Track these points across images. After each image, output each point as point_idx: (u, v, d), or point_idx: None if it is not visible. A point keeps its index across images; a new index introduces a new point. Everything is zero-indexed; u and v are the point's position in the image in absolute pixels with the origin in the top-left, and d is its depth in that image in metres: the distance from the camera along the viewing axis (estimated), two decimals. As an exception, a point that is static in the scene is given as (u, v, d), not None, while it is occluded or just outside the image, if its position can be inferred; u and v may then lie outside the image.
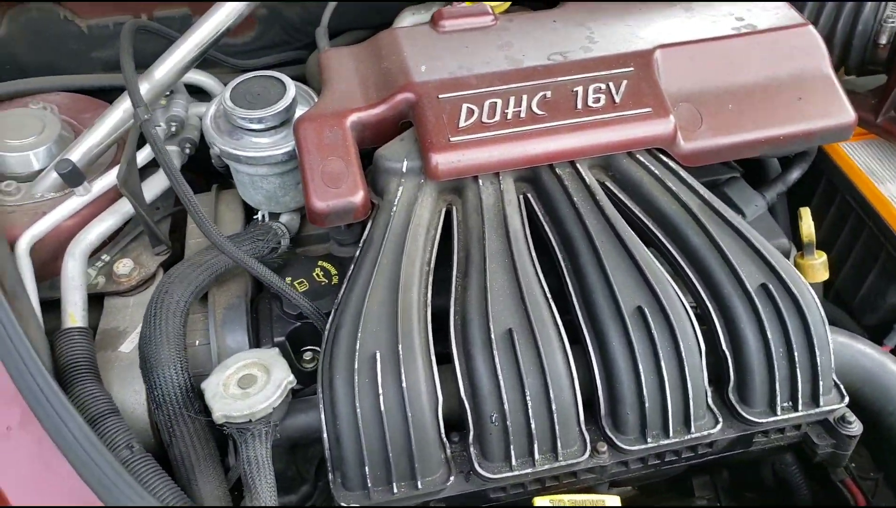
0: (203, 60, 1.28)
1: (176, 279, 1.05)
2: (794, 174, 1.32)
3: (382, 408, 0.91)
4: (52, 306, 1.16)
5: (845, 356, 1.09)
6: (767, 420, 0.99)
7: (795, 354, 0.99)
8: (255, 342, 1.11)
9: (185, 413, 0.98)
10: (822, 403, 1.00)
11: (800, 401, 0.99)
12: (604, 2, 1.27)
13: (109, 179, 1.21)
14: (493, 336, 0.94)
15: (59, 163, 1.17)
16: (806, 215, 1.14)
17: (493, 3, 1.30)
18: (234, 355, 0.97)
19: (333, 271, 1.16)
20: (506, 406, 0.93)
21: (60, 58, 1.48)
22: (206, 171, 1.37)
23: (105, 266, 1.24)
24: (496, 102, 1.09)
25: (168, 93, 1.34)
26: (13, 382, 0.93)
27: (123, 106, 1.22)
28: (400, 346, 0.93)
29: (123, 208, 1.23)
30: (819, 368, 0.99)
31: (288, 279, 1.14)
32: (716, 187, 1.25)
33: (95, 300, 1.23)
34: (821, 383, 0.99)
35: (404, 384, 0.91)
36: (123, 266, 1.23)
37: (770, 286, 1.00)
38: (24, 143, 1.28)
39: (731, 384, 1.00)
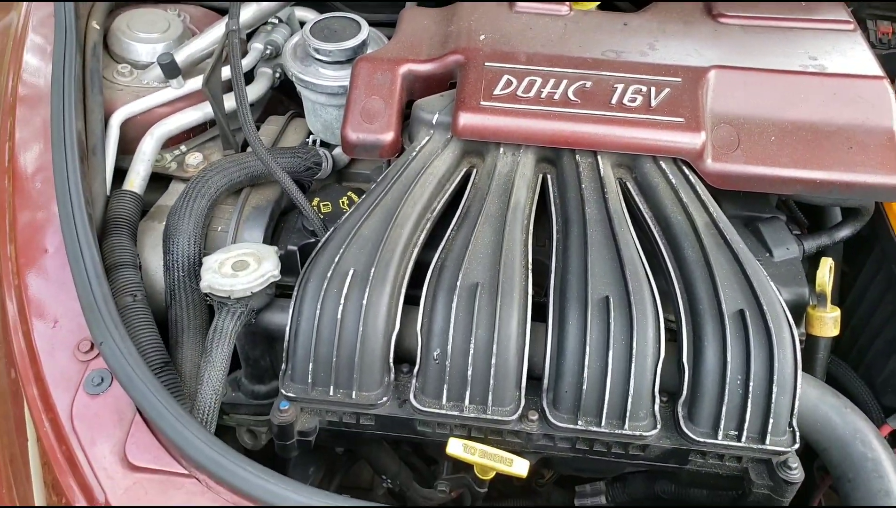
0: (324, 6, 1.43)
1: (216, 169, 1.19)
2: (844, 232, 1.27)
3: (339, 316, 0.99)
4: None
5: (819, 411, 1.05)
6: (706, 441, 0.98)
7: (751, 385, 0.97)
8: (271, 244, 1.23)
9: (186, 281, 1.11)
10: (767, 441, 0.98)
11: (745, 433, 0.98)
12: (683, 17, 1.29)
13: (199, 81, 1.37)
14: (459, 284, 1.00)
15: (161, 56, 1.34)
16: (824, 264, 1.10)
17: (580, 3, 1.34)
18: (241, 243, 1.09)
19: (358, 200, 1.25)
20: (449, 348, 0.98)
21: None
22: (298, 98, 1.52)
23: (180, 155, 1.41)
24: (535, 80, 1.14)
25: (277, 21, 1.49)
26: (59, 215, 1.10)
27: (226, 22, 1.38)
28: (373, 269, 1.02)
29: (207, 109, 1.39)
30: (773, 406, 0.97)
31: (315, 200, 1.25)
32: (753, 222, 1.23)
33: (165, 180, 1.40)
34: (771, 421, 0.97)
35: (364, 302, 1.00)
36: (194, 158, 1.39)
37: (747, 314, 0.99)
38: (149, 36, 1.48)
39: (683, 397, 1.01)
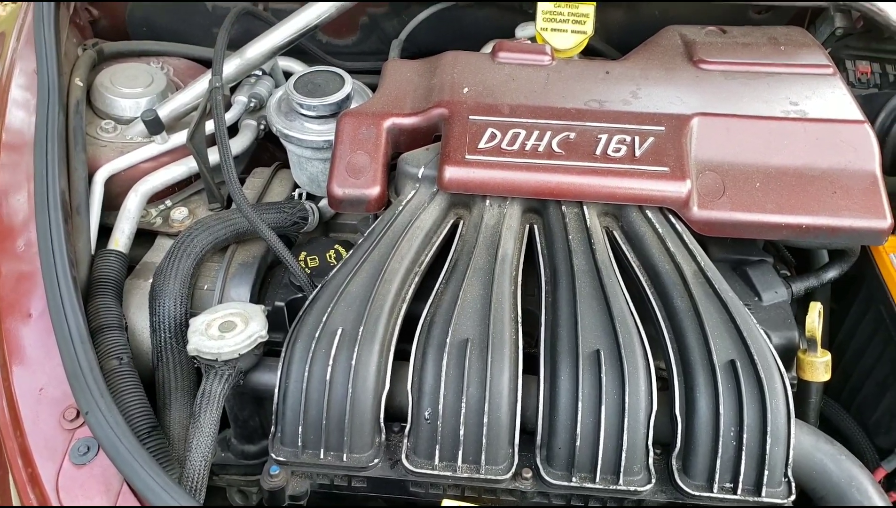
0: (308, 56, 1.43)
1: (201, 227, 1.18)
2: (831, 273, 1.28)
3: (328, 378, 0.98)
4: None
5: (814, 459, 1.05)
6: (701, 495, 0.97)
7: (745, 437, 0.97)
8: (258, 301, 1.22)
9: (173, 343, 1.10)
10: (763, 494, 0.97)
11: (740, 486, 0.97)
12: (664, 63, 1.30)
13: (183, 136, 1.37)
14: (448, 341, 1.00)
15: (145, 112, 1.34)
16: (813, 309, 1.10)
17: (562, 52, 1.36)
18: (228, 303, 1.08)
19: (345, 254, 1.25)
20: (440, 407, 0.97)
21: (188, 28, 1.68)
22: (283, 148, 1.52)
23: (165, 210, 1.41)
24: (519, 133, 1.15)
25: (260, 73, 1.50)
26: (43, 279, 1.09)
27: (209, 77, 1.38)
28: (362, 328, 1.01)
29: (191, 163, 1.39)
30: (768, 458, 0.96)
31: (302, 254, 1.24)
32: (741, 266, 1.24)
33: (151, 236, 1.39)
34: (766, 473, 0.97)
35: (353, 362, 0.99)
36: (179, 213, 1.39)
37: (738, 365, 0.99)
38: (132, 91, 1.48)
39: (677, 450, 1.00)
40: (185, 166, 1.40)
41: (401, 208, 1.14)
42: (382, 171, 1.17)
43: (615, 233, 1.14)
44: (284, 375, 1.01)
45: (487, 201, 1.14)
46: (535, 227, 1.16)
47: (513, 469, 0.98)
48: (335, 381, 0.99)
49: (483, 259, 1.09)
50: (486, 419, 0.97)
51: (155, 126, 1.35)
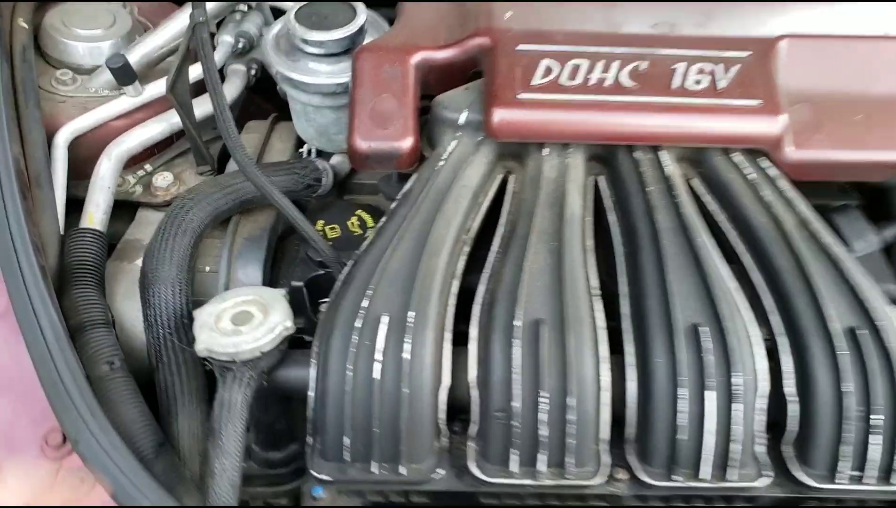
0: None
1: (197, 197, 0.97)
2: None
3: (376, 376, 0.80)
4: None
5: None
6: (824, 487, 0.83)
7: (873, 417, 0.81)
8: (271, 282, 1.02)
9: (174, 339, 0.90)
10: (894, 481, 0.82)
11: (868, 473, 0.82)
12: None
13: (162, 85, 1.15)
14: (517, 323, 0.82)
15: (112, 57, 1.11)
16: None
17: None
18: (237, 288, 0.89)
19: (371, 222, 1.05)
20: (515, 403, 0.80)
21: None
22: (277, 99, 1.30)
23: (145, 176, 1.19)
24: (580, 64, 0.96)
25: (245, 8, 1.27)
26: (3, 274, 0.88)
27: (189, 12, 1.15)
28: (412, 313, 0.82)
29: (173, 119, 1.17)
30: (903, 439, 0.82)
31: (320, 223, 1.05)
32: (824, 213, 1.07)
33: (130, 209, 1.18)
34: (899, 458, 0.82)
35: (405, 355, 0.81)
36: (163, 179, 1.17)
37: (859, 334, 0.83)
38: (91, 34, 1.24)
39: (791, 435, 0.84)
40: (165, 123, 1.17)
41: (441, 162, 0.94)
42: (414, 117, 0.97)
43: (694, 181, 0.97)
44: (321, 375, 0.82)
45: (546, 150, 0.95)
46: (601, 179, 0.97)
47: (606, 471, 0.82)
48: (386, 378, 0.80)
49: (547, 221, 0.90)
50: (571, 415, 0.80)
51: (125, 75, 1.12)
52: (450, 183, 0.93)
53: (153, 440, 0.86)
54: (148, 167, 1.20)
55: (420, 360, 0.81)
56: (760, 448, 0.84)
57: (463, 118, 0.96)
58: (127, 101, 1.16)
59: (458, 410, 0.85)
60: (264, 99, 1.38)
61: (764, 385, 0.83)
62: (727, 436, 0.81)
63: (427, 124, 1.01)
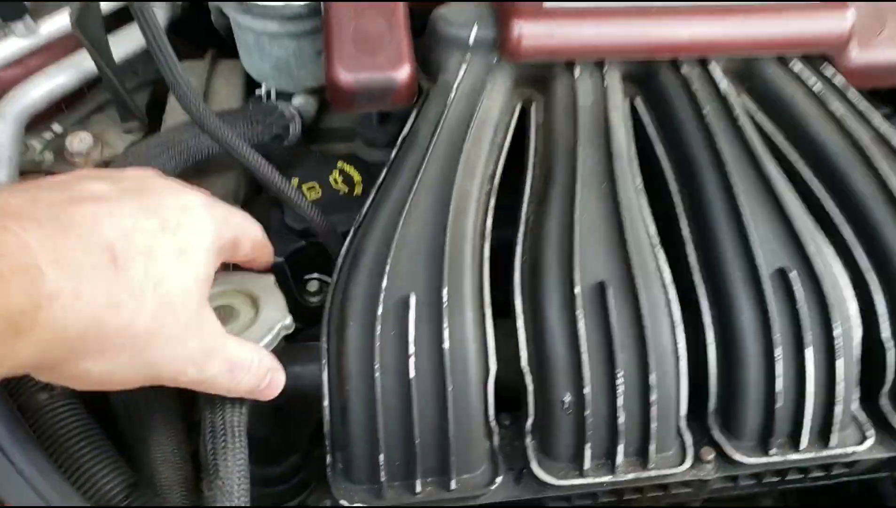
0: None
1: (133, 162, 0.75)
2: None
3: (412, 373, 0.63)
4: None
5: None
6: (932, 438, 0.72)
7: None
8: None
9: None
10: None
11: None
12: None
13: (65, 20, 0.90)
14: (577, 290, 0.66)
15: (-7, -14, 0.86)
16: None
17: None
18: (228, 273, 0.69)
19: (357, 176, 0.86)
20: (586, 389, 0.65)
21: None
22: (203, 38, 1.06)
23: (55, 140, 0.95)
24: (613, -38, 0.78)
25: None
26: None
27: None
28: (445, 290, 0.65)
29: (84, 64, 0.93)
30: None
31: (294, 181, 0.85)
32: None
33: (41, 182, 0.94)
34: None
35: (446, 344, 0.63)
36: (80, 142, 0.94)
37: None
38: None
39: (888, 385, 0.73)
40: (72, 70, 0.93)
41: (453, 95, 0.75)
42: (407, 38, 0.77)
43: (742, 99, 0.81)
44: (337, 379, 0.65)
45: (577, 70, 0.77)
46: (637, 102, 0.81)
47: (688, 454, 0.68)
48: (422, 375, 0.63)
49: (591, 159, 0.74)
50: (653, 394, 0.66)
51: (10, 8, 0.87)
52: (467, 119, 0.74)
53: (121, 482, 0.66)
54: (57, 128, 0.96)
55: (463, 346, 0.65)
56: (856, 405, 0.72)
57: (472, 35, 0.77)
58: (15, 43, 0.91)
59: (504, 399, 0.69)
60: (182, 39, 1.13)
61: (859, 333, 0.71)
62: (829, 397, 0.69)
63: (421, 46, 0.81)
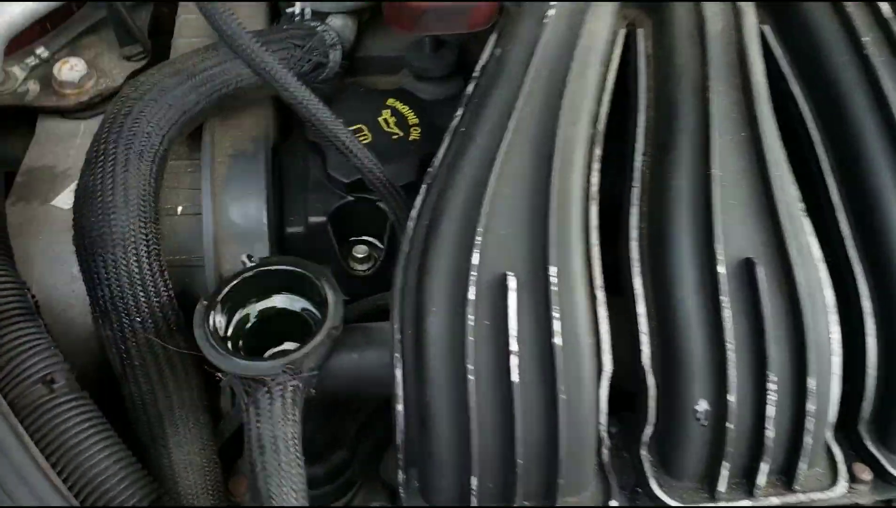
0: None
1: (148, 95, 0.59)
2: None
3: (515, 377, 0.49)
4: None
5: None
6: None
7: None
8: (278, 220, 0.67)
9: (151, 334, 0.55)
10: None
11: None
12: None
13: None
14: (718, 268, 0.52)
15: None
16: None
17: None
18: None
19: (412, 117, 0.71)
20: (731, 396, 0.51)
21: None
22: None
23: (41, 66, 0.79)
24: None
25: None
26: None
27: None
28: (554, 269, 0.50)
29: (74, -27, 0.76)
30: None
31: (338, 122, 0.69)
32: None
33: (25, 118, 0.78)
34: None
35: (557, 339, 0.49)
36: (71, 69, 0.78)
37: None
38: None
39: None
40: (60, -19, 0.76)
41: (550, 14, 0.59)
42: (489, -55, 0.61)
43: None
44: (415, 378, 0.51)
45: (699, -12, 0.61)
46: (766, 29, 0.65)
47: (844, 473, 0.55)
48: (527, 377, 0.49)
49: (727, 99, 0.58)
50: (811, 402, 0.52)
51: None
52: (569, 45, 0.58)
53: (144, 496, 0.53)
54: (42, 52, 0.80)
55: (575, 341, 0.51)
56: None
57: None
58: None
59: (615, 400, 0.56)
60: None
61: None
62: None
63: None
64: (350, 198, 0.67)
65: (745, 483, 0.54)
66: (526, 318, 0.50)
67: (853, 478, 0.56)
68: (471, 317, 0.49)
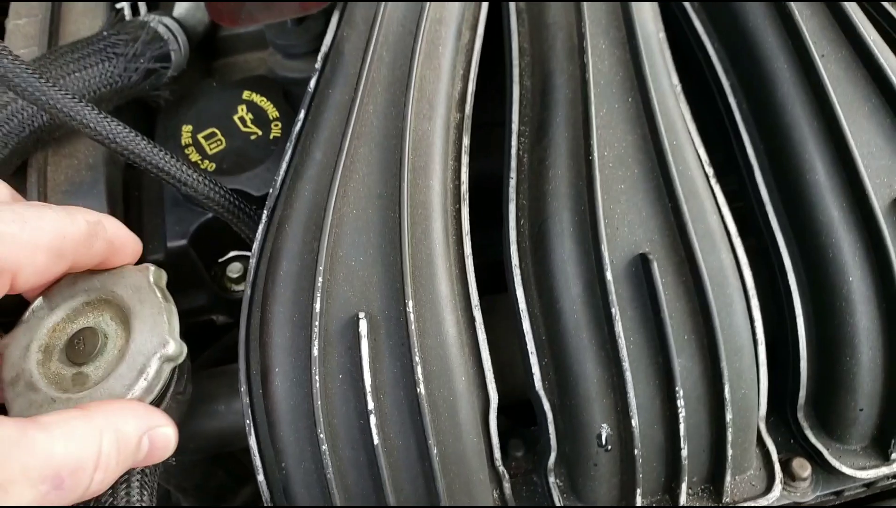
0: None
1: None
2: None
3: (376, 438, 0.42)
4: None
5: None
6: None
7: None
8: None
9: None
10: None
11: None
12: None
13: None
14: (607, 268, 0.44)
15: None
16: None
17: None
18: (86, 273, 0.46)
19: (272, 110, 0.61)
20: (633, 416, 0.44)
21: None
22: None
23: None
24: None
25: None
26: None
27: None
28: (410, 303, 0.43)
29: None
30: None
31: (186, 131, 0.60)
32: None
33: None
34: None
35: (421, 388, 0.42)
36: None
37: None
38: None
39: None
40: None
41: (386, -13, 0.49)
42: None
43: None
44: (270, 448, 0.44)
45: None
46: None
47: (777, 473, 0.49)
48: (390, 435, 0.43)
49: (608, 58, 0.49)
50: (729, 412, 0.45)
51: None
52: (414, 17, 0.49)
53: None
54: None
55: (446, 383, 0.44)
56: None
57: None
58: None
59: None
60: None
61: None
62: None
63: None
64: (209, 215, 0.59)
65: (666, 498, 0.48)
66: (386, 365, 0.43)
67: (790, 475, 0.50)
68: (317, 374, 0.42)
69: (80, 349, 0.44)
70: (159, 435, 0.42)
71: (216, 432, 0.51)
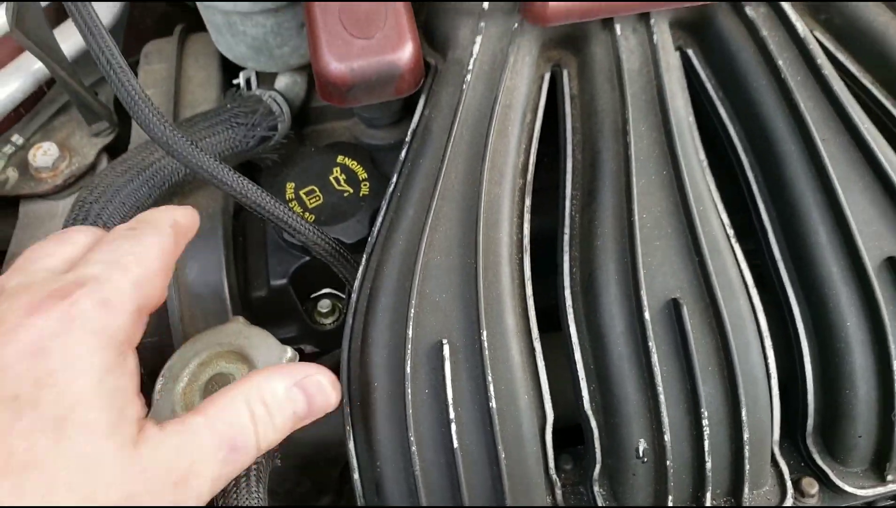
0: None
1: (103, 198, 0.63)
2: None
3: (455, 443, 0.52)
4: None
5: None
6: None
7: None
8: (243, 289, 0.71)
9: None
10: None
11: None
12: None
13: (2, 16, 0.77)
14: (644, 315, 0.54)
15: None
16: None
17: None
18: (188, 341, 0.56)
19: (361, 172, 0.73)
20: (665, 433, 0.54)
21: None
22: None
23: (17, 153, 0.83)
24: None
25: None
26: None
27: None
28: (484, 333, 0.53)
29: (34, 66, 0.80)
30: None
31: (290, 188, 0.72)
32: None
33: (7, 206, 0.83)
34: None
35: (493, 403, 0.52)
36: (44, 154, 0.81)
37: None
38: None
39: None
40: (23, 73, 0.80)
41: (468, 73, 0.61)
42: (409, 13, 0.62)
43: (818, 36, 0.66)
44: (367, 451, 0.54)
45: (618, 27, 0.62)
46: (691, 53, 0.66)
47: (787, 487, 0.58)
48: (467, 441, 0.53)
49: (647, 139, 0.60)
50: (746, 432, 0.54)
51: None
52: (489, 105, 0.60)
53: None
54: (17, 139, 0.84)
55: (513, 401, 0.54)
56: None
57: (486, 2, 0.62)
58: (-45, 51, 0.78)
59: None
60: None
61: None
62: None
63: (424, 16, 0.66)
64: (306, 258, 0.71)
65: (696, 506, 0.57)
66: (464, 383, 0.53)
67: (800, 491, 0.59)
68: (409, 388, 0.53)
69: (214, 386, 0.53)
70: (311, 383, 0.47)
71: (314, 439, 0.61)
